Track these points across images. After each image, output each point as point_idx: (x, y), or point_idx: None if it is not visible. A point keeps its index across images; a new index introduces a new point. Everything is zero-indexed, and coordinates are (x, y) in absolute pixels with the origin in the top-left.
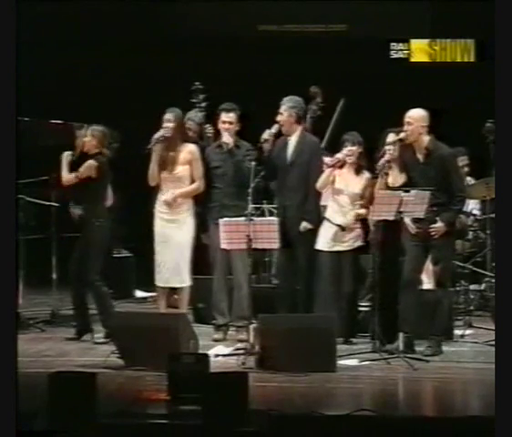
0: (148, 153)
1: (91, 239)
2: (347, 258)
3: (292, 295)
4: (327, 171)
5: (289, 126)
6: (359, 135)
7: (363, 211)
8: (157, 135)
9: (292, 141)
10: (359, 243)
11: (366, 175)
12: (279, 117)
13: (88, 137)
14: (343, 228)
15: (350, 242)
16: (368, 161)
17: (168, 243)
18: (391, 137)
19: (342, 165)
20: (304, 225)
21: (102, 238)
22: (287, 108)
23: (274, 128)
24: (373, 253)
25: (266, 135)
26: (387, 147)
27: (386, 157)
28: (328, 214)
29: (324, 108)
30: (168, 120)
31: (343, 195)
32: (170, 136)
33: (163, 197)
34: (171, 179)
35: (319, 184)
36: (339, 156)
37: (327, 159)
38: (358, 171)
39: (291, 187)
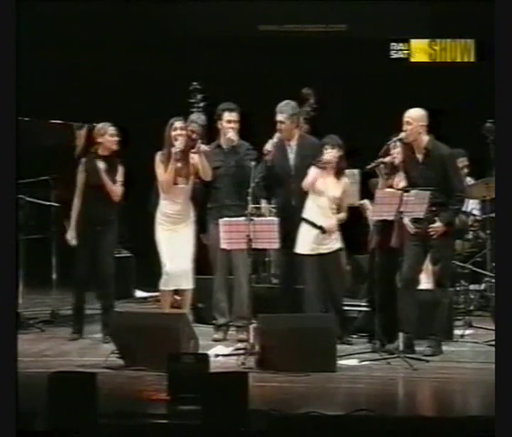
0: (149, 159)
1: (106, 239)
2: (329, 259)
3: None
4: (315, 172)
5: (290, 132)
6: (338, 138)
7: (343, 215)
8: (177, 149)
9: (292, 146)
10: (338, 245)
11: (346, 179)
12: (280, 125)
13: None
14: (323, 231)
15: (330, 244)
16: (364, 161)
17: (174, 251)
18: (393, 143)
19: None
20: None
21: (115, 237)
22: (289, 116)
23: (276, 137)
24: (371, 253)
25: (269, 146)
26: (392, 150)
27: (386, 159)
28: (307, 215)
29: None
30: (182, 129)
31: (322, 197)
32: (184, 148)
33: (166, 207)
34: (178, 191)
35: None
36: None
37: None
38: (338, 175)
39: (294, 189)
